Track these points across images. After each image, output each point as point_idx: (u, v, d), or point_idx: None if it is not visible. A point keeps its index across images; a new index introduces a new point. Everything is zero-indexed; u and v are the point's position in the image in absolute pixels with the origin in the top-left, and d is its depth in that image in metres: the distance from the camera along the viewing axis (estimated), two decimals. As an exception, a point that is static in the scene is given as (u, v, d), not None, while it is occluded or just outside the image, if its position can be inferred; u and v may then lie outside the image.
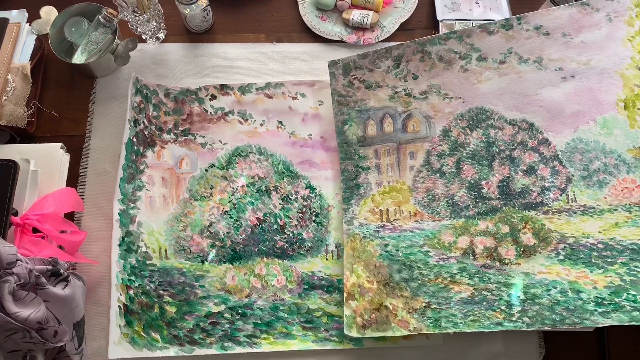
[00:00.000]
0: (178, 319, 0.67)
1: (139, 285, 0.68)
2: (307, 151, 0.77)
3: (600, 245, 0.65)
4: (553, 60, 0.72)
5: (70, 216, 0.71)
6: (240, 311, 0.68)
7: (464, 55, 0.73)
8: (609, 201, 0.68)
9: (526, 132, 0.72)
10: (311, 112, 0.79)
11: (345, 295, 0.66)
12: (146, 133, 0.76)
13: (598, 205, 0.68)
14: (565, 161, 0.71)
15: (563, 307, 0.61)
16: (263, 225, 0.73)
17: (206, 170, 0.75)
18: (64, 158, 0.71)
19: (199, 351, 0.65)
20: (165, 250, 0.71)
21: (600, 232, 0.66)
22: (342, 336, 0.66)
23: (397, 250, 0.69)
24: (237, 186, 0.75)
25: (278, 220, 0.73)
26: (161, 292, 0.68)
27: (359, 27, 0.83)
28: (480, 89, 0.73)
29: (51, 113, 0.78)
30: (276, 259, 0.71)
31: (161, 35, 0.82)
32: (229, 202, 0.74)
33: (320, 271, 0.71)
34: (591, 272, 0.63)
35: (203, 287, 0.69)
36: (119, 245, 0.69)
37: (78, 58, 0.76)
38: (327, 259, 0.72)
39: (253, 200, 0.74)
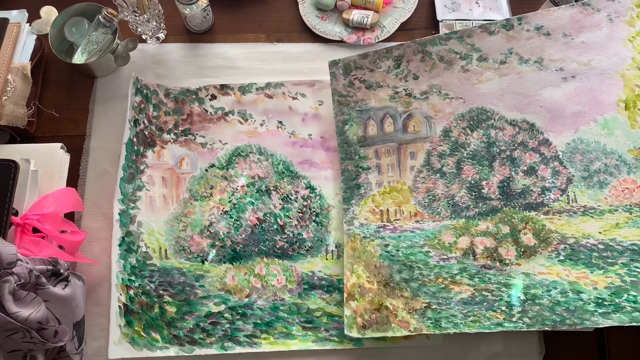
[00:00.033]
0: (178, 319, 0.67)
1: (139, 285, 0.68)
2: (307, 151, 0.77)
3: (600, 246, 0.65)
4: (554, 60, 0.72)
5: (70, 216, 0.71)
6: (240, 311, 0.68)
7: (464, 55, 0.73)
8: (610, 202, 0.68)
9: (527, 133, 0.72)
10: (311, 112, 0.79)
11: (345, 295, 0.66)
12: (146, 133, 0.76)
13: (599, 205, 0.68)
14: (566, 162, 0.71)
15: (563, 308, 0.61)
16: (263, 225, 0.73)
17: (206, 170, 0.75)
18: (64, 158, 0.71)
19: (199, 351, 0.65)
20: (166, 250, 0.71)
21: (600, 233, 0.66)
22: (342, 336, 0.66)
23: (398, 250, 0.69)
24: (237, 186, 0.75)
25: (278, 220, 0.73)
26: (161, 292, 0.68)
27: (359, 27, 0.83)
28: (481, 89, 0.73)
29: (51, 113, 0.78)
30: (276, 259, 0.71)
31: (161, 35, 0.82)
32: (229, 202, 0.74)
33: (320, 271, 0.71)
34: (591, 272, 0.63)
35: (203, 287, 0.69)
36: (119, 245, 0.69)
37: (78, 58, 0.76)
38: (327, 259, 0.72)
39: (253, 200, 0.74)
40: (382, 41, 0.82)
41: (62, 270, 0.57)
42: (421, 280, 0.66)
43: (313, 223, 0.73)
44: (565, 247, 0.66)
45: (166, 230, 0.72)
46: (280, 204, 0.74)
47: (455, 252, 0.68)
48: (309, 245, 0.72)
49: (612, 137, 0.70)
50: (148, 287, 0.68)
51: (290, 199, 0.74)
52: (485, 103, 0.73)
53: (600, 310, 0.60)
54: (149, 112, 0.77)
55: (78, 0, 0.78)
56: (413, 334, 0.62)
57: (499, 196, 0.71)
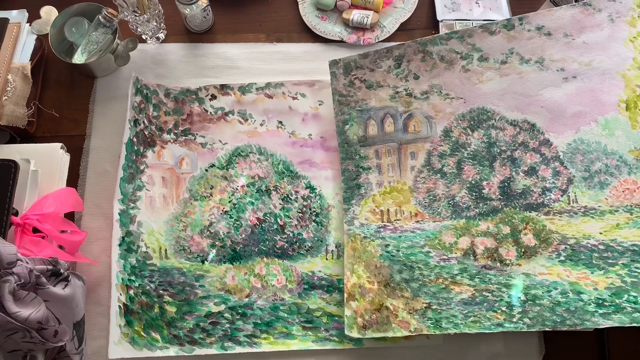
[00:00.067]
0: (178, 318, 0.67)
1: (139, 285, 0.68)
2: (307, 151, 0.77)
3: (601, 247, 0.65)
4: (555, 60, 0.72)
5: (70, 216, 0.71)
6: (240, 311, 0.68)
7: (465, 55, 0.73)
8: (610, 202, 0.68)
9: (527, 133, 0.72)
10: (311, 112, 0.79)
11: (345, 295, 0.66)
12: (146, 133, 0.75)
13: (599, 206, 0.68)
14: (567, 162, 0.70)
15: (564, 308, 0.61)
16: (263, 225, 0.73)
17: (206, 170, 0.75)
18: (64, 158, 0.71)
19: (199, 351, 0.65)
20: (166, 250, 0.71)
21: (601, 233, 0.66)
22: (342, 336, 0.66)
23: (398, 250, 0.69)
24: (237, 186, 0.75)
25: (278, 220, 0.73)
26: (161, 292, 0.68)
27: (359, 27, 0.82)
28: (482, 89, 0.73)
29: (51, 113, 0.78)
30: (276, 259, 0.71)
31: (161, 35, 0.82)
32: (229, 202, 0.74)
33: (320, 271, 0.71)
34: (592, 273, 0.63)
35: (203, 287, 0.69)
36: (119, 245, 0.69)
37: (78, 58, 0.76)
38: (327, 259, 0.72)
39: (253, 200, 0.74)
40: (382, 41, 0.82)
41: (62, 270, 0.57)
42: (422, 281, 0.66)
43: (313, 223, 0.73)
44: (565, 247, 0.66)
45: (166, 230, 0.72)
46: (280, 204, 0.74)
47: (456, 253, 0.68)
48: (309, 245, 0.72)
49: (613, 137, 0.70)
50: (148, 287, 0.68)
51: (290, 199, 0.74)
52: (486, 103, 0.73)
53: (600, 311, 0.60)
54: (149, 112, 0.77)
55: (78, 0, 0.78)
56: (413, 334, 0.62)
57: (499, 196, 0.71)
